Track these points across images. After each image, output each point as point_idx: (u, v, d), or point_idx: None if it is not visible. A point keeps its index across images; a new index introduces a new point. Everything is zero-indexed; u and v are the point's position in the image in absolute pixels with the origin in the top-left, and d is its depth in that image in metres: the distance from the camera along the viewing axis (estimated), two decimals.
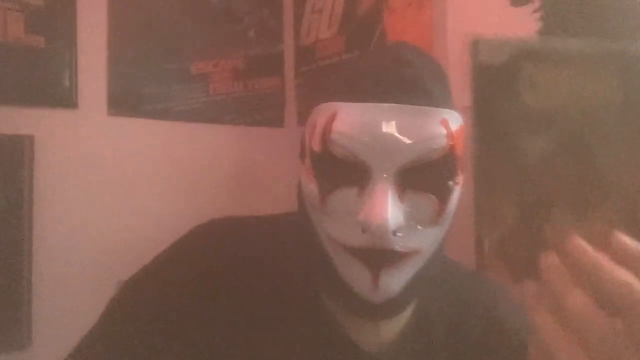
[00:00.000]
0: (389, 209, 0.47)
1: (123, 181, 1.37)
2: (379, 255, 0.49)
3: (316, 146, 0.52)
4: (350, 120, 0.50)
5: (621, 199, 0.36)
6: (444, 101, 0.52)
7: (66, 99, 1.28)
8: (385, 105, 0.49)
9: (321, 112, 0.53)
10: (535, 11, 0.94)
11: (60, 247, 1.26)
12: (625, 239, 0.34)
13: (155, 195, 1.42)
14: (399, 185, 0.49)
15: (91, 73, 1.32)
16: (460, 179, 0.52)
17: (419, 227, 0.50)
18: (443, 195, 0.50)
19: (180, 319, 0.56)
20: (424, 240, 0.51)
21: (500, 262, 0.37)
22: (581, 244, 0.35)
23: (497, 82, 0.36)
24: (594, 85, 0.36)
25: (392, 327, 0.60)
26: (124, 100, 1.38)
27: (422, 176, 0.49)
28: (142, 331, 0.55)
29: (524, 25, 0.95)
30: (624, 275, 0.32)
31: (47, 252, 1.24)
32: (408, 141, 0.48)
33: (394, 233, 0.48)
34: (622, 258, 0.33)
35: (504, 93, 0.36)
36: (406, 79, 0.51)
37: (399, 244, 0.49)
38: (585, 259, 0.34)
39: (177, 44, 1.48)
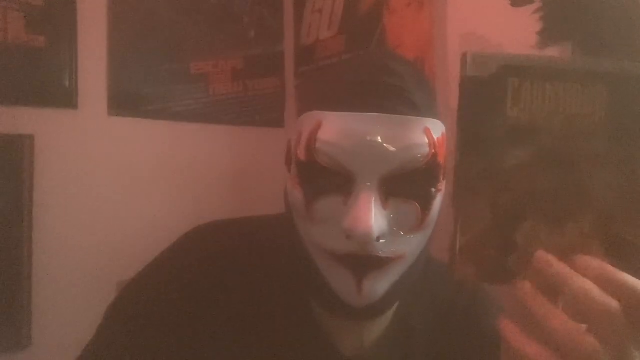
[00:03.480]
0: (372, 216, 0.47)
1: (123, 181, 1.37)
2: (363, 261, 0.50)
3: (302, 155, 0.52)
4: (334, 129, 0.50)
5: (598, 212, 0.37)
6: (428, 110, 0.53)
7: (66, 99, 1.28)
8: (369, 114, 0.49)
9: (306, 122, 0.53)
10: (535, 12, 0.94)
11: (61, 247, 1.26)
12: (588, 260, 0.36)
13: (155, 195, 1.42)
14: (382, 192, 0.49)
15: (91, 73, 1.33)
16: (442, 185, 0.53)
17: (402, 233, 0.51)
18: (426, 202, 0.51)
19: (172, 325, 0.57)
20: (408, 246, 0.52)
21: (470, 263, 0.39)
22: (545, 257, 0.37)
23: (484, 94, 0.38)
24: (579, 102, 0.37)
25: (374, 330, 0.61)
26: (124, 101, 1.38)
27: (406, 184, 0.50)
28: (140, 339, 0.57)
29: (524, 26, 0.95)
30: (586, 284, 0.35)
31: (47, 252, 1.24)
32: (391, 150, 0.49)
33: (378, 239, 0.49)
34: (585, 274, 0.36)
35: (489, 104, 0.38)
36: (390, 88, 0.52)
37: (383, 250, 0.50)
38: (549, 271, 0.37)
39: (177, 44, 1.48)
